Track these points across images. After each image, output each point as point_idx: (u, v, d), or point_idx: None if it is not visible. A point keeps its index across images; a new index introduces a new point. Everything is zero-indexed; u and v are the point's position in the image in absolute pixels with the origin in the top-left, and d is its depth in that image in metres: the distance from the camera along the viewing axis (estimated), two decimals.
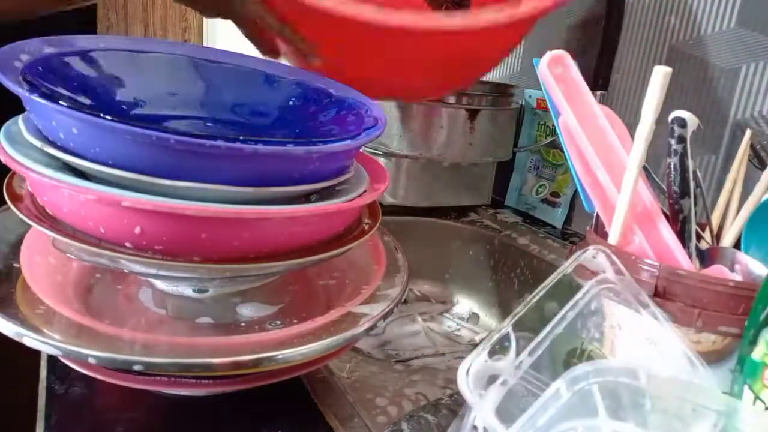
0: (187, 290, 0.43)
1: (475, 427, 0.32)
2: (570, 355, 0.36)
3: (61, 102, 0.33)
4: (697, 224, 0.42)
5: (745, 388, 0.30)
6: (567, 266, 0.37)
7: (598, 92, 0.79)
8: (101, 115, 0.32)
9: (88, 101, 0.41)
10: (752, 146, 0.50)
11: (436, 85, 0.63)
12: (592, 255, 0.37)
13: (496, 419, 0.28)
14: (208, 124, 0.49)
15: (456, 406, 0.43)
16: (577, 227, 0.87)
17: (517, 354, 0.31)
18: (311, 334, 0.37)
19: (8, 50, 0.37)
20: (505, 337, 0.31)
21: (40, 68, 0.38)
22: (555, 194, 0.90)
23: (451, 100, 0.85)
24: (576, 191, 0.85)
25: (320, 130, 0.47)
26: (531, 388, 0.33)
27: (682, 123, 0.40)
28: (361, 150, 0.45)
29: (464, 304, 0.85)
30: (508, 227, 0.87)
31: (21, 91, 0.33)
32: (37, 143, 0.36)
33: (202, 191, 0.34)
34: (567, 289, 0.36)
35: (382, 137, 0.75)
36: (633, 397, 0.29)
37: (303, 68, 0.53)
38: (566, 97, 0.40)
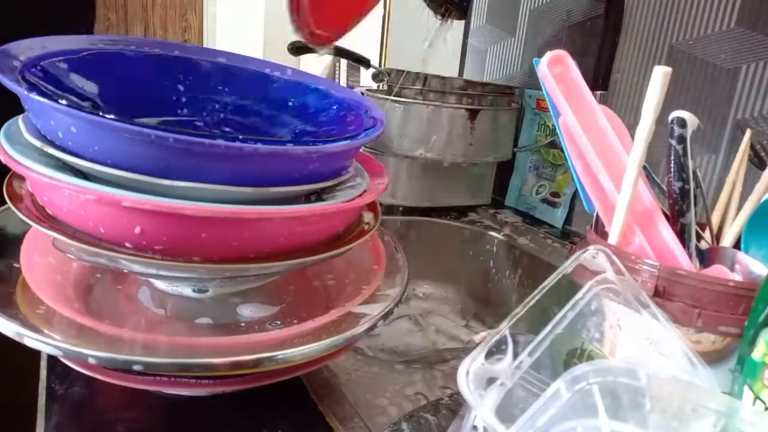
0: (187, 290, 0.43)
1: (475, 427, 0.32)
2: (570, 355, 0.36)
3: (59, 101, 0.33)
4: (697, 224, 0.42)
5: (745, 388, 0.30)
6: (567, 266, 0.37)
7: (598, 92, 0.79)
8: (100, 113, 0.32)
9: (87, 100, 0.41)
10: (752, 146, 0.50)
11: None
12: (592, 255, 0.37)
13: (496, 419, 0.28)
14: (208, 123, 0.49)
15: (456, 406, 0.43)
16: (577, 227, 0.87)
17: (515, 356, 0.31)
18: (311, 334, 0.37)
19: (7, 50, 0.37)
20: (503, 340, 0.31)
21: (38, 67, 0.38)
22: (555, 194, 0.90)
23: (451, 99, 0.85)
24: (576, 191, 0.85)
25: (320, 130, 0.47)
26: (531, 388, 0.33)
27: (682, 123, 0.40)
28: (361, 150, 0.45)
29: (464, 304, 0.85)
30: (508, 227, 0.87)
31: (20, 90, 0.33)
32: (37, 143, 0.36)
33: (201, 191, 0.34)
34: (567, 289, 0.36)
35: (382, 137, 0.75)
36: (633, 397, 0.29)
37: None
38: (566, 97, 0.40)
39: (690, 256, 0.39)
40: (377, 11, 1.53)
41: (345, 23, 0.53)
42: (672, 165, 0.40)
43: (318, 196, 0.43)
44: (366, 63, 1.01)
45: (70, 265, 0.45)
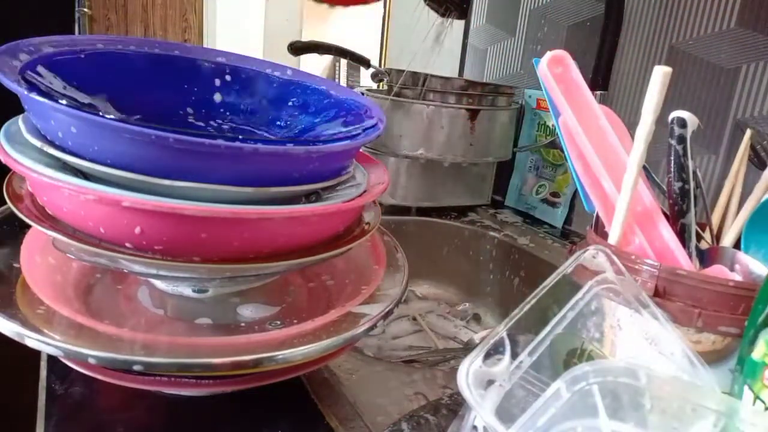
0: (187, 290, 0.43)
1: (475, 427, 0.32)
2: (570, 355, 0.36)
3: (59, 101, 0.33)
4: (697, 224, 0.42)
5: (745, 388, 0.30)
6: (567, 266, 0.37)
7: (598, 92, 0.79)
8: (100, 113, 0.32)
9: (86, 100, 0.41)
10: (752, 146, 0.50)
11: None
12: (592, 255, 0.37)
13: (496, 419, 0.28)
14: (208, 123, 0.49)
15: (456, 406, 0.43)
16: (577, 227, 0.87)
17: (514, 357, 0.31)
18: (311, 334, 0.37)
19: (7, 49, 0.37)
20: (501, 342, 0.32)
21: (38, 67, 0.38)
22: (555, 194, 0.90)
23: (451, 99, 0.85)
24: (576, 191, 0.85)
25: (320, 130, 0.47)
26: (531, 388, 0.33)
27: (682, 123, 0.40)
28: (361, 150, 0.45)
29: (464, 304, 0.85)
30: (508, 227, 0.87)
31: (20, 90, 0.33)
32: (37, 143, 0.36)
33: (201, 191, 0.34)
34: (567, 289, 0.36)
35: (382, 137, 0.75)
36: (633, 398, 0.29)
37: None
38: (566, 97, 0.40)
39: (690, 256, 0.39)
40: (377, 11, 1.53)
41: None
42: (672, 165, 0.40)
43: (318, 196, 0.43)
44: (366, 63, 1.01)
45: (70, 265, 0.45)
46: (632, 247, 0.39)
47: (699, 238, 0.44)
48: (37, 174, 0.34)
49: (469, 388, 0.29)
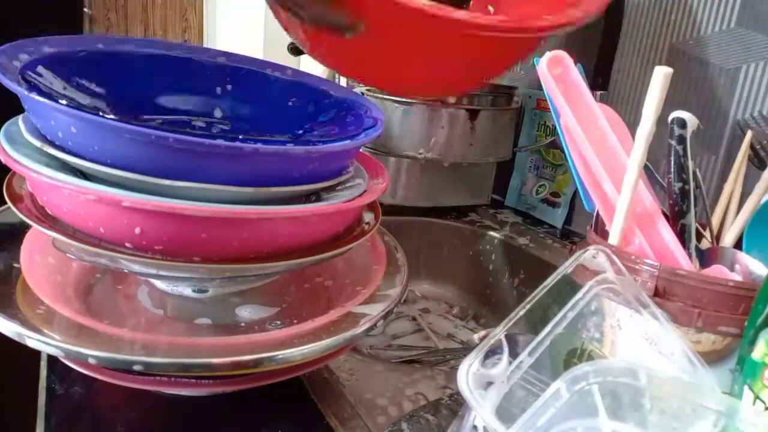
0: (187, 290, 0.43)
1: (475, 427, 0.32)
2: (570, 355, 0.36)
3: (59, 101, 0.33)
4: (698, 224, 0.42)
5: (745, 388, 0.30)
6: (567, 266, 0.37)
7: (598, 92, 0.79)
8: (100, 113, 0.32)
9: (86, 101, 0.41)
10: (752, 146, 0.50)
11: (451, 81, 0.60)
12: (593, 255, 0.37)
13: (496, 419, 0.28)
14: (208, 123, 0.49)
15: (456, 406, 0.43)
16: (577, 227, 0.87)
17: (513, 358, 0.31)
18: (311, 334, 0.37)
19: (7, 50, 0.37)
20: (499, 344, 0.32)
21: (38, 67, 0.38)
22: (555, 194, 0.90)
23: (451, 100, 0.85)
24: (576, 191, 0.85)
25: (320, 130, 0.47)
26: (531, 388, 0.33)
27: (682, 123, 0.40)
28: (361, 150, 0.45)
29: (463, 304, 0.85)
30: (508, 227, 0.87)
31: (20, 90, 0.33)
32: (37, 143, 0.36)
33: (201, 191, 0.34)
34: (567, 289, 0.36)
35: (382, 137, 0.75)
36: (633, 398, 0.29)
37: (321, 40, 0.48)
38: (566, 97, 0.40)
39: (690, 257, 0.39)
40: None
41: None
42: (672, 165, 0.40)
43: (318, 196, 0.43)
44: None
45: (70, 265, 0.45)
46: (632, 247, 0.39)
47: (699, 238, 0.44)
48: (37, 174, 0.34)
49: (469, 388, 0.29)
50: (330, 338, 0.37)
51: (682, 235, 0.40)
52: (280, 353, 0.35)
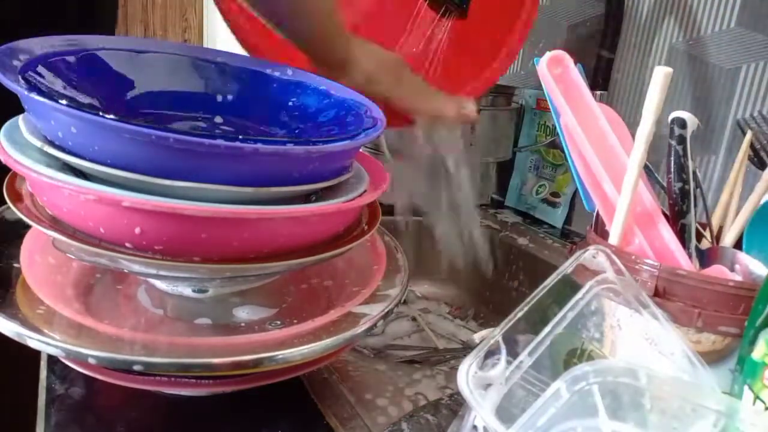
0: (187, 290, 0.43)
1: (475, 427, 0.32)
2: (570, 355, 0.36)
3: (59, 101, 0.33)
4: (697, 224, 0.42)
5: (745, 388, 0.30)
6: (567, 266, 0.37)
7: (598, 92, 0.79)
8: (100, 113, 0.32)
9: (87, 100, 0.41)
10: (752, 146, 0.50)
11: None
12: (592, 255, 0.37)
13: (496, 419, 0.28)
14: (208, 123, 0.49)
15: (456, 406, 0.43)
16: (577, 227, 0.87)
17: (513, 358, 0.31)
18: (311, 334, 0.37)
19: (7, 49, 0.37)
20: (497, 345, 0.32)
21: (39, 67, 0.38)
22: (555, 194, 0.90)
23: None
24: (576, 191, 0.85)
25: (320, 130, 0.47)
26: (531, 389, 0.33)
27: (682, 123, 0.40)
28: (361, 150, 0.45)
29: (464, 304, 0.85)
30: (508, 227, 0.87)
31: (20, 90, 0.33)
32: (37, 143, 0.36)
33: (201, 191, 0.34)
34: (567, 289, 0.36)
35: (382, 137, 0.75)
36: (633, 398, 0.29)
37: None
38: (566, 97, 0.40)
39: (690, 257, 0.39)
40: None
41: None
42: (672, 165, 0.40)
43: (318, 196, 0.43)
44: None
45: (70, 265, 0.45)
46: (632, 247, 0.39)
47: (699, 238, 0.44)
48: (37, 174, 0.34)
49: (468, 388, 0.29)
50: (330, 338, 0.37)
51: (682, 235, 0.40)
52: (280, 353, 0.35)
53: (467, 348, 0.68)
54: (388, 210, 0.88)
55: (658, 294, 0.36)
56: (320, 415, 0.42)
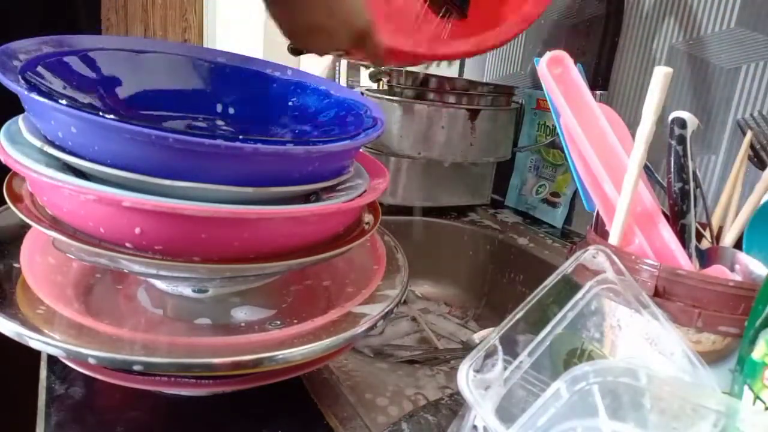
0: (187, 290, 0.43)
1: (475, 427, 0.32)
2: (570, 355, 0.36)
3: (59, 101, 0.33)
4: (697, 224, 0.42)
5: (745, 388, 0.30)
6: (567, 266, 0.37)
7: (598, 92, 0.79)
8: (100, 113, 0.32)
9: (87, 100, 0.41)
10: (752, 146, 0.50)
11: None
12: (593, 255, 0.37)
13: (496, 419, 0.28)
14: (208, 123, 0.49)
15: (456, 406, 0.43)
16: (577, 227, 0.87)
17: (507, 361, 0.31)
18: (311, 334, 0.37)
19: (7, 49, 0.37)
20: (493, 348, 0.32)
21: (38, 67, 0.38)
22: (555, 194, 0.90)
23: (451, 99, 0.85)
24: (576, 191, 0.85)
25: (320, 130, 0.47)
26: (531, 389, 0.33)
27: (682, 123, 0.40)
28: (361, 150, 0.45)
29: (464, 304, 0.85)
30: (508, 227, 0.87)
31: (20, 90, 0.33)
32: (37, 143, 0.36)
33: (201, 191, 0.34)
34: (567, 289, 0.36)
35: (382, 137, 0.75)
36: (633, 398, 0.29)
37: None
38: (566, 97, 0.40)
39: (690, 257, 0.39)
40: None
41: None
42: (672, 165, 0.40)
43: (318, 196, 0.43)
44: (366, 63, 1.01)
45: (70, 265, 0.45)
46: (632, 247, 0.39)
47: (699, 238, 0.44)
48: (37, 174, 0.34)
49: (469, 388, 0.29)
50: (330, 338, 0.37)
51: (682, 235, 0.40)
52: (280, 353, 0.35)
53: (467, 348, 0.68)
54: (388, 210, 0.88)
55: (658, 294, 0.36)
56: (320, 415, 0.42)
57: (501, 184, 0.98)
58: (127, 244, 0.35)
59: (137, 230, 0.34)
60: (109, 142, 0.33)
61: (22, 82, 0.34)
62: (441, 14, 0.64)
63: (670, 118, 0.41)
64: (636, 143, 0.38)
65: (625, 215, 0.38)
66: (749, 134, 0.50)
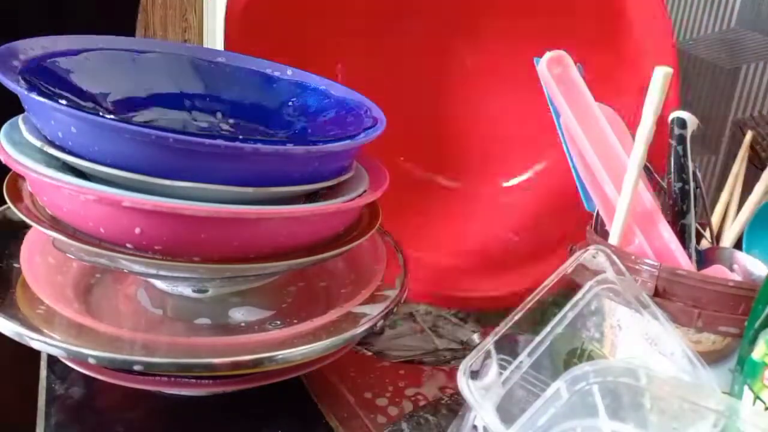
0: (187, 290, 0.43)
1: (475, 427, 0.32)
2: (570, 355, 0.36)
3: (59, 101, 0.33)
4: (697, 224, 0.42)
5: (745, 388, 0.30)
6: (567, 266, 0.37)
7: None
8: (100, 113, 0.32)
9: (87, 100, 0.41)
10: (752, 146, 0.50)
11: None
12: (592, 255, 0.37)
13: (497, 419, 0.28)
14: (208, 123, 0.49)
15: (456, 406, 0.43)
16: None
17: (505, 366, 0.31)
18: (311, 334, 0.37)
19: (7, 49, 0.37)
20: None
21: (39, 67, 0.38)
22: None
23: None
24: None
25: (320, 130, 0.47)
26: (531, 389, 0.33)
27: (682, 123, 0.40)
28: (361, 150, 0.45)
29: None
30: None
31: (19, 90, 0.33)
32: (37, 143, 0.36)
33: (201, 191, 0.34)
34: (567, 290, 0.36)
35: None
36: (633, 398, 0.29)
37: None
38: (565, 97, 0.40)
39: (690, 257, 0.39)
40: None
41: None
42: (672, 165, 0.40)
43: (318, 196, 0.43)
44: None
45: (70, 265, 0.45)
46: (632, 247, 0.39)
47: (699, 238, 0.44)
48: (37, 174, 0.34)
49: (469, 387, 0.29)
50: (330, 338, 0.37)
51: (682, 235, 0.40)
52: (280, 353, 0.35)
53: (467, 348, 0.68)
54: None
55: (658, 294, 0.36)
56: (320, 415, 0.42)
57: None
58: (127, 244, 0.35)
59: (137, 230, 0.34)
60: (109, 142, 0.33)
61: (22, 82, 0.34)
62: None
63: (670, 118, 0.41)
64: (636, 143, 0.38)
65: (625, 215, 0.38)
66: (749, 134, 0.50)
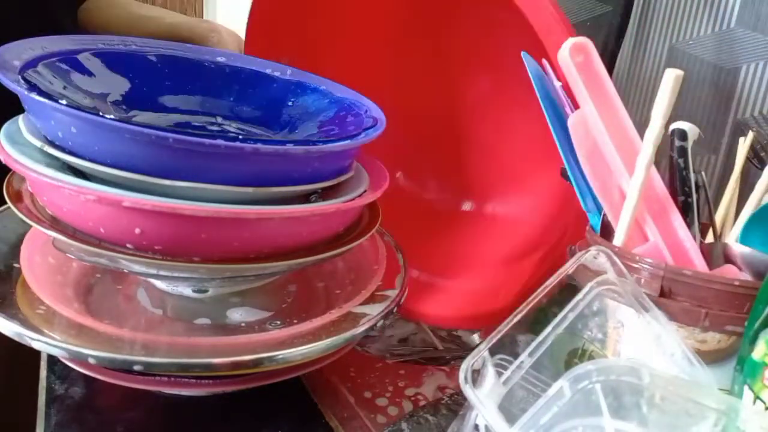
0: (187, 290, 0.43)
1: (476, 427, 0.32)
2: (571, 355, 0.36)
3: (59, 101, 0.32)
4: (701, 224, 0.42)
5: (745, 388, 0.30)
6: (568, 267, 0.37)
7: None
8: (100, 113, 0.32)
9: (87, 100, 0.40)
10: (752, 146, 0.50)
11: None
12: (593, 255, 0.37)
13: (500, 418, 0.28)
14: (209, 124, 0.49)
15: (456, 406, 0.43)
16: None
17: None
18: (311, 334, 0.37)
19: (7, 49, 0.37)
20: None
21: (39, 67, 0.38)
22: None
23: None
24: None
25: (320, 130, 0.47)
26: (532, 389, 0.33)
27: (683, 135, 0.40)
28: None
29: None
30: None
31: (20, 90, 0.33)
32: (37, 143, 0.36)
33: (201, 191, 0.34)
34: (567, 290, 0.36)
35: None
36: (635, 397, 0.29)
37: None
38: (587, 87, 0.38)
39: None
40: None
41: None
42: (676, 180, 0.40)
43: (318, 196, 0.43)
44: None
45: (70, 265, 0.45)
46: (647, 246, 0.38)
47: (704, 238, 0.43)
48: (37, 174, 0.34)
49: (470, 387, 0.29)
50: (330, 338, 0.37)
51: None
52: (280, 353, 0.35)
53: (467, 348, 0.68)
54: None
55: (663, 294, 0.35)
56: (320, 415, 0.42)
57: None
58: (128, 244, 0.35)
59: (137, 230, 0.34)
60: (109, 142, 0.33)
61: (22, 82, 0.34)
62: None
63: (671, 129, 0.40)
64: (644, 145, 0.37)
65: (631, 216, 0.38)
66: (749, 134, 0.50)
